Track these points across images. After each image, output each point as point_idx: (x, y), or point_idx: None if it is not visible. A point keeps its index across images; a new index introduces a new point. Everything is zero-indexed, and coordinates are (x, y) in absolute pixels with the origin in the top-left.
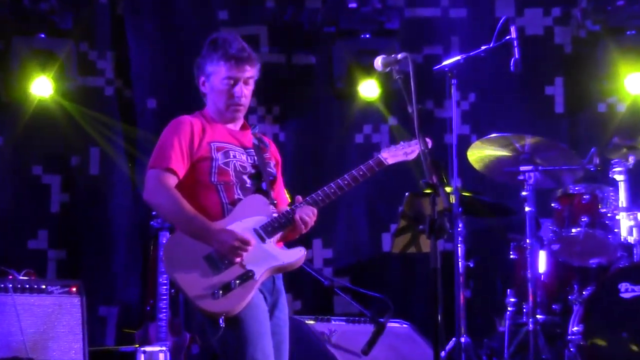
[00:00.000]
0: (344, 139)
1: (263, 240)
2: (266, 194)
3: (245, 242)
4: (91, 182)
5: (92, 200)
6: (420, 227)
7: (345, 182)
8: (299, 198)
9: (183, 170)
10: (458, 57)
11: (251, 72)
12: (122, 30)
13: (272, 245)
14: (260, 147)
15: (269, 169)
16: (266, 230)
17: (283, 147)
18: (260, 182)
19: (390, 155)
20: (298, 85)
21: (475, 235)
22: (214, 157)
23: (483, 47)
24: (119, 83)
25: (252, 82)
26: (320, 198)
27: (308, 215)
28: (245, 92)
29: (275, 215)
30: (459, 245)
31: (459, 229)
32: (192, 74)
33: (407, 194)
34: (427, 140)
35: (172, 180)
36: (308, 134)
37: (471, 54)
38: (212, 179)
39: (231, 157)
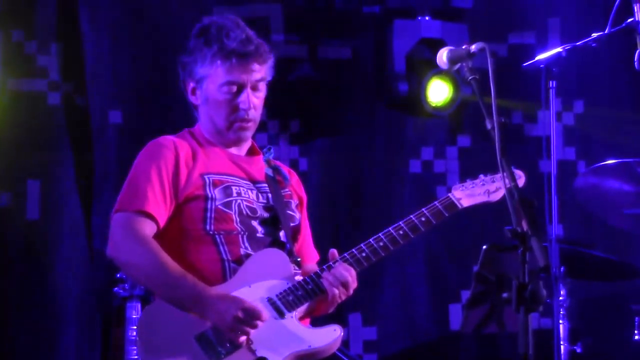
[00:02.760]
0: (392, 167)
1: (281, 314)
2: (286, 247)
3: (254, 314)
4: (28, 231)
5: (28, 257)
6: (504, 294)
7: (401, 232)
8: (335, 253)
9: (165, 215)
10: (559, 49)
11: (261, 72)
12: (74, 13)
13: (294, 322)
14: (276, 180)
15: (290, 212)
16: (285, 301)
17: (305, 179)
18: (277, 230)
19: (466, 195)
20: (326, 89)
21: (585, 307)
22: (210, 195)
23: (594, 35)
24: (69, 87)
25: (262, 87)
26: (364, 255)
27: (344, 279)
28: (255, 102)
29: (298, 279)
30: (560, 322)
31: (560, 298)
32: (175, 74)
33: (484, 247)
34: (518, 173)
35: (149, 229)
36: (340, 160)
37: (577, 44)
38: (208, 227)
39: (234, 194)
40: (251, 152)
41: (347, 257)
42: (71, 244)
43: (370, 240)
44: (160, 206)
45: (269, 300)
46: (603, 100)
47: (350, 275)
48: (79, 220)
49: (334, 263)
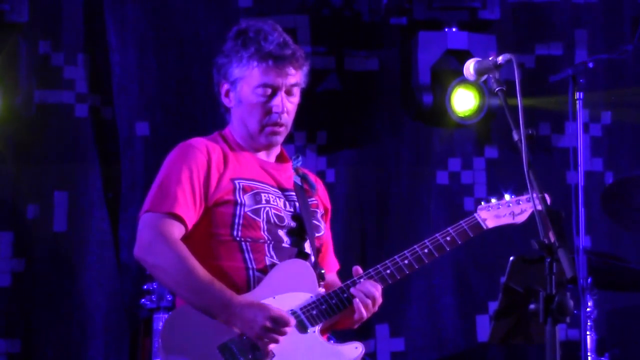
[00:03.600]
0: (419, 178)
1: (304, 329)
2: (310, 259)
3: (282, 321)
4: (55, 243)
5: (56, 269)
6: (531, 306)
7: (426, 251)
8: (359, 270)
9: (194, 218)
10: (586, 61)
11: (296, 77)
12: (101, 25)
13: (317, 337)
14: (303, 189)
15: (315, 222)
16: (309, 315)
17: (331, 190)
18: (302, 240)
19: (491, 216)
20: (353, 100)
21: (613, 318)
22: (239, 200)
23: (621, 47)
24: (96, 99)
25: (297, 92)
26: (388, 272)
27: (371, 295)
28: (288, 106)
29: (322, 291)
30: (588, 333)
31: (587, 310)
32: (202, 82)
33: (511, 258)
34: (545, 197)
35: (178, 231)
36: (368, 171)
37: (605, 55)
38: (235, 233)
39: (263, 201)
40: (280, 158)
41: (372, 273)
42: (98, 256)
43: (396, 257)
44: (189, 209)
45: (293, 313)
46: (631, 112)
47: (377, 290)
48: (107, 232)
49: (359, 279)
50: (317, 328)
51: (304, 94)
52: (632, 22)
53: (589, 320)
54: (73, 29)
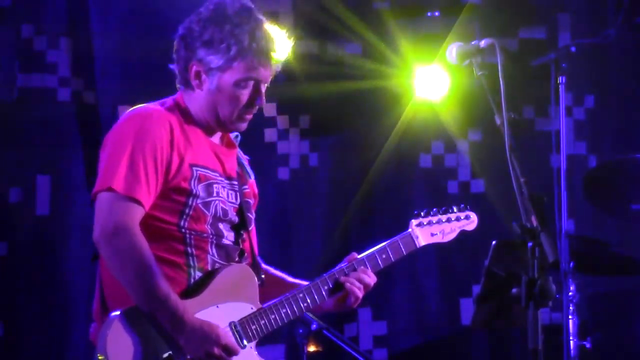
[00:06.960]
0: (403, 161)
1: (241, 344)
2: (246, 259)
3: (230, 352)
4: (38, 227)
5: (39, 253)
6: (514, 290)
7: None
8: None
9: (151, 202)
10: (569, 45)
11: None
12: (84, 9)
13: (252, 352)
14: (240, 176)
15: (249, 215)
16: (248, 329)
17: (315, 174)
18: (242, 237)
19: (425, 234)
20: (336, 84)
21: (594, 302)
22: (194, 191)
23: (605, 31)
24: (79, 83)
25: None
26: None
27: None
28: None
29: (261, 307)
30: (570, 317)
31: (569, 293)
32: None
33: (493, 242)
34: (471, 217)
35: (138, 218)
36: (351, 155)
37: (588, 39)
38: (182, 224)
39: (214, 194)
40: (225, 141)
41: (318, 280)
42: (81, 240)
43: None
44: (151, 194)
45: (231, 325)
46: (614, 96)
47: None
48: (89, 217)
49: (299, 294)
50: (253, 343)
51: (287, 78)
52: (615, 6)
53: (571, 304)
54: (56, 13)
